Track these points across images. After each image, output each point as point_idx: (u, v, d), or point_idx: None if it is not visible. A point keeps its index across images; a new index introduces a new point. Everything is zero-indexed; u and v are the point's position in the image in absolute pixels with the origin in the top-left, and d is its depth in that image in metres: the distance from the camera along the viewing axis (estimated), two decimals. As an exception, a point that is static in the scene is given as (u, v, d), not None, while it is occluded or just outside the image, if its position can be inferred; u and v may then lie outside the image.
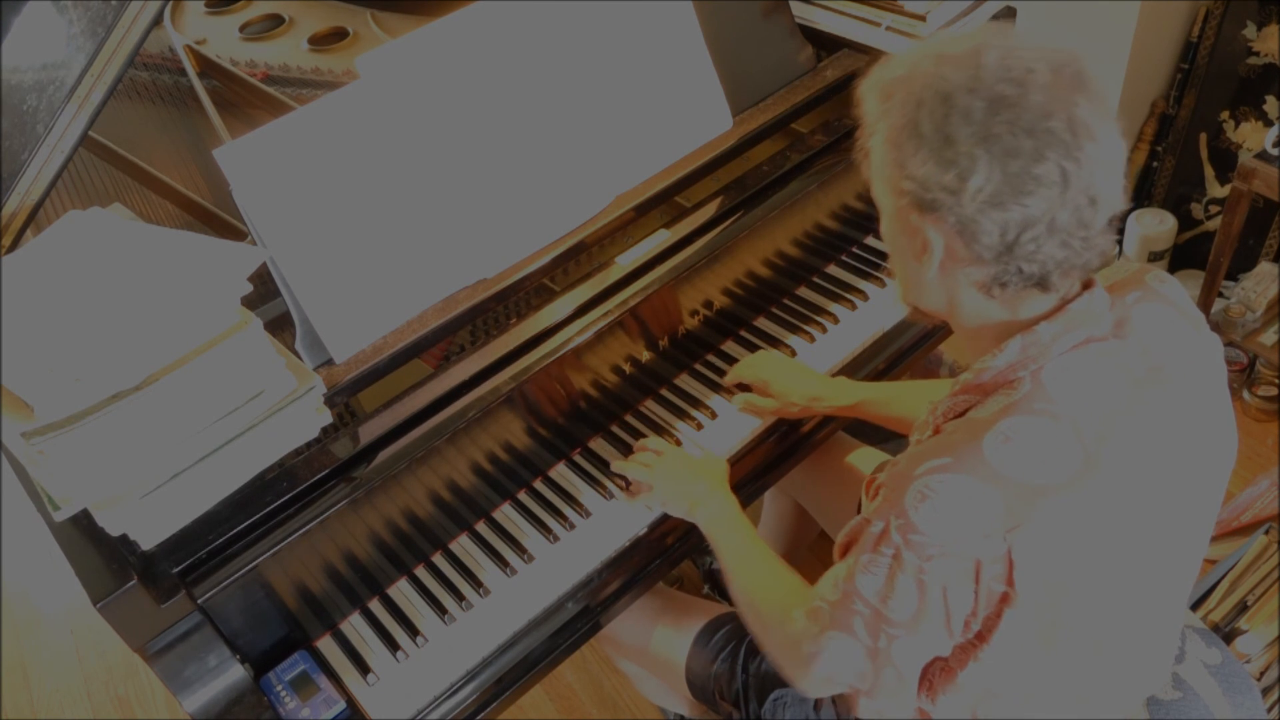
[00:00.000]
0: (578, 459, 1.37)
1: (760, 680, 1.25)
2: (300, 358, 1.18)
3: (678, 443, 1.36)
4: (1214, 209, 2.46)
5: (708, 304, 1.42)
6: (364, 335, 1.21)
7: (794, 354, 1.46)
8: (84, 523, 1.04)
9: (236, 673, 1.10)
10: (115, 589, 1.01)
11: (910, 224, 0.88)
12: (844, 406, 1.35)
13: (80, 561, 1.05)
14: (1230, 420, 0.99)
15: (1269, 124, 2.30)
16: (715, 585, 2.00)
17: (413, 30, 1.23)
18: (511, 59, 1.26)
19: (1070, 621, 0.92)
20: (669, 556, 1.30)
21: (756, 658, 1.26)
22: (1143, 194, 2.55)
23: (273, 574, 1.12)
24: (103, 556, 1.04)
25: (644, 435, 1.36)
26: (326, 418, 1.10)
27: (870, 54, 1.57)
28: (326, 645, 1.22)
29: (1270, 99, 2.29)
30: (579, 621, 1.24)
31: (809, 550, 1.85)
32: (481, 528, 1.31)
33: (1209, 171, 2.45)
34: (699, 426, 1.39)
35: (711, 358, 1.47)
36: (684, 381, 1.45)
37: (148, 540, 1.03)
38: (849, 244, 1.59)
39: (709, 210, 1.39)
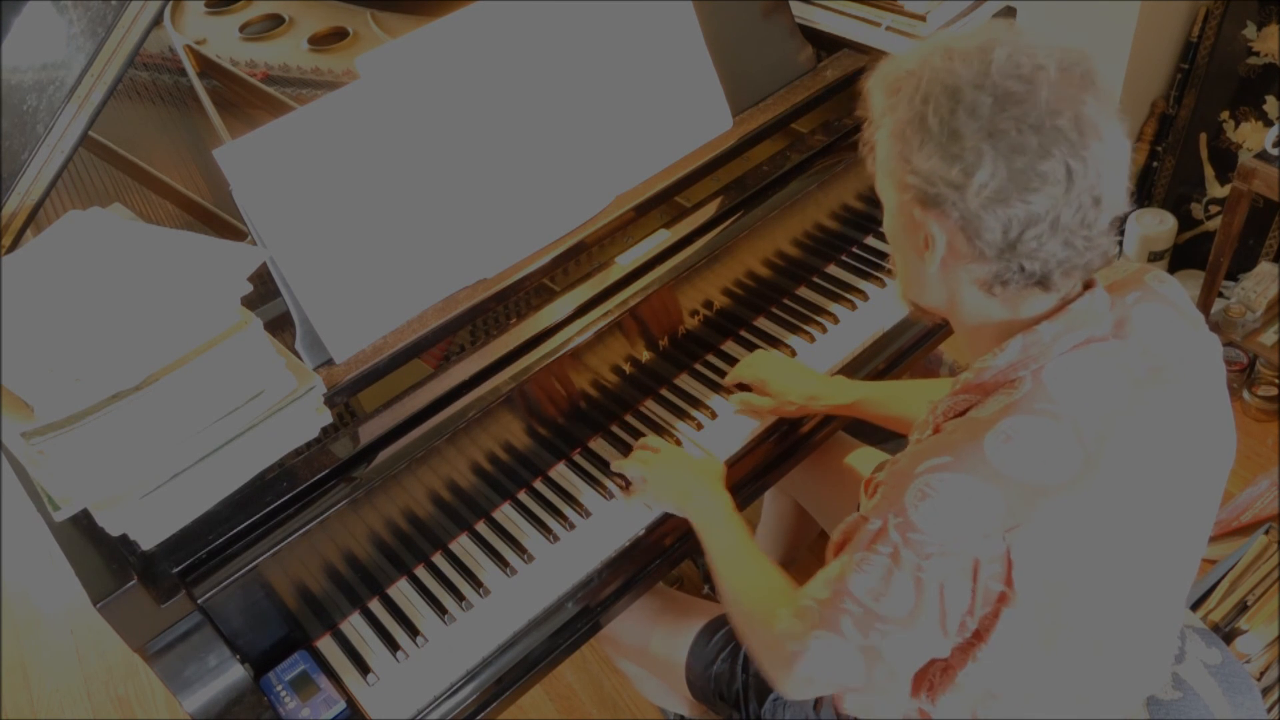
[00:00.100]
0: (578, 459, 1.37)
1: (760, 680, 1.25)
2: (300, 358, 1.18)
3: (678, 443, 1.36)
4: (1214, 209, 2.46)
5: (708, 304, 1.42)
6: (364, 335, 1.21)
7: (794, 354, 1.46)
8: (84, 523, 1.04)
9: (236, 673, 1.10)
10: (115, 589, 1.01)
11: (913, 219, 0.88)
12: (842, 405, 1.35)
13: (80, 561, 1.05)
14: (1229, 420, 0.99)
15: (1269, 124, 2.30)
16: (715, 586, 2.00)
17: (413, 30, 1.23)
18: (511, 59, 1.26)
19: (1070, 621, 0.92)
20: (669, 557, 1.30)
21: (756, 658, 1.26)
22: (1143, 194, 2.55)
23: (273, 574, 1.12)
24: (103, 556, 1.04)
25: (644, 435, 1.36)
26: (326, 418, 1.10)
27: (870, 54, 1.57)
28: (326, 645, 1.22)
29: (1270, 99, 2.29)
30: (579, 621, 1.24)
31: (809, 550, 1.85)
32: (481, 528, 1.31)
33: (1209, 171, 2.45)
34: (699, 426, 1.39)
35: (711, 358, 1.47)
36: (684, 381, 1.45)
37: (148, 540, 1.03)
38: (849, 244, 1.59)
39: (709, 210, 1.39)
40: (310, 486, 1.13)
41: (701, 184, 1.42)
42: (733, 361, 1.43)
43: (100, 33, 1.22)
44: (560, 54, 1.30)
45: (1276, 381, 2.23)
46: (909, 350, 1.50)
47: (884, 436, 1.41)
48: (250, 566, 1.08)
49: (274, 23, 1.87)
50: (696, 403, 1.42)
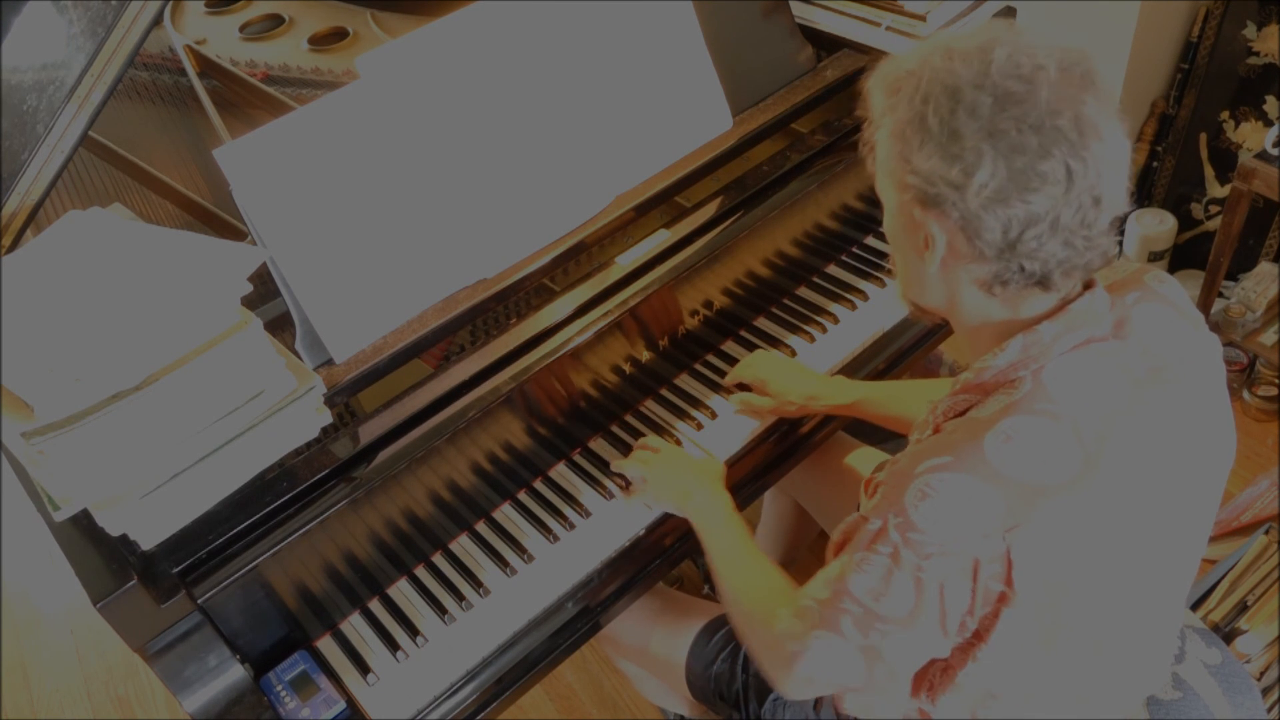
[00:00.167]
0: (578, 459, 1.37)
1: (760, 680, 1.25)
2: (300, 358, 1.18)
3: (678, 443, 1.36)
4: (1214, 209, 2.46)
5: (708, 304, 1.42)
6: (364, 335, 1.21)
7: (794, 354, 1.46)
8: (84, 523, 1.04)
9: (236, 673, 1.10)
10: (115, 589, 1.01)
11: (913, 219, 0.88)
12: (841, 405, 1.35)
13: (80, 561, 1.05)
14: (1229, 420, 0.99)
15: (1269, 124, 2.30)
16: (715, 586, 2.00)
17: (413, 30, 1.23)
18: (511, 59, 1.26)
19: (1070, 621, 0.92)
20: (669, 557, 1.30)
21: (756, 658, 1.26)
22: (1143, 194, 2.55)
23: (273, 574, 1.12)
24: (103, 556, 1.04)
25: (644, 435, 1.36)
26: (326, 418, 1.10)
27: (870, 54, 1.57)
28: (326, 645, 1.22)
29: (1270, 99, 2.29)
30: (579, 621, 1.24)
31: (809, 550, 1.85)
32: (481, 528, 1.31)
33: (1209, 171, 2.45)
34: (699, 426, 1.39)
35: (711, 358, 1.47)
36: (684, 381, 1.45)
37: (148, 540, 1.03)
38: (849, 244, 1.59)
39: (709, 210, 1.39)
40: (310, 486, 1.13)
41: (701, 184, 1.42)
42: (733, 361, 1.43)
43: (100, 33, 1.22)
44: (560, 54, 1.30)
45: (1276, 381, 2.23)
46: (909, 350, 1.50)
47: (884, 436, 1.41)
48: (250, 566, 1.08)
49: (274, 23, 1.87)
50: (696, 403, 1.42)
